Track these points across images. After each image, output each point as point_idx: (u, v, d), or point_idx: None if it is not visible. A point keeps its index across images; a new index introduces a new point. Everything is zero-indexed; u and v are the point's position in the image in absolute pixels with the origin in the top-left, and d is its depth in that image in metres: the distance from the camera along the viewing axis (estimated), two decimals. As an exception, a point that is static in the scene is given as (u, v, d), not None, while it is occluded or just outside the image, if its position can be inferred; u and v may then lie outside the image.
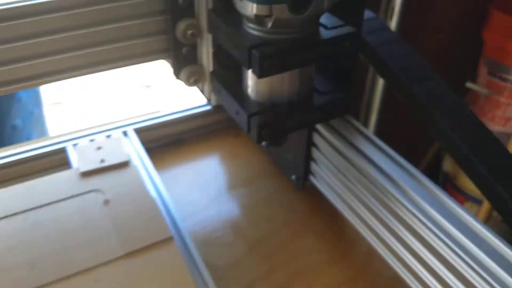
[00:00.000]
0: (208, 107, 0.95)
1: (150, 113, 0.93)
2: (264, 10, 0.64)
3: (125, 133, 0.85)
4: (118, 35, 0.78)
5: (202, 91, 0.94)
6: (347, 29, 0.68)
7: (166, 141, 0.92)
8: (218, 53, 0.81)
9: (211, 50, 0.80)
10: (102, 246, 0.58)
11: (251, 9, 0.64)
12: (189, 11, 0.80)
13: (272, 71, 0.66)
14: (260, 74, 0.66)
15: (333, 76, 0.78)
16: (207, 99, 0.96)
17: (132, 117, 0.91)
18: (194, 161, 0.91)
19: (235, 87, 0.73)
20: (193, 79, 0.90)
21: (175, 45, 0.81)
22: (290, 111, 0.72)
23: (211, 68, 0.82)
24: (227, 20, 0.72)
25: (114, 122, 0.87)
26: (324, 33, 0.69)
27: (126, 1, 0.75)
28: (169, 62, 0.88)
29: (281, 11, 0.64)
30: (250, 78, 0.75)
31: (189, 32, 0.84)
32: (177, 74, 0.86)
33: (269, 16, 0.65)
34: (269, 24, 0.66)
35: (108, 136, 0.82)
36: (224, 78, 0.81)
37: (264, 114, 0.71)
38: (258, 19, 0.66)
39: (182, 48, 0.83)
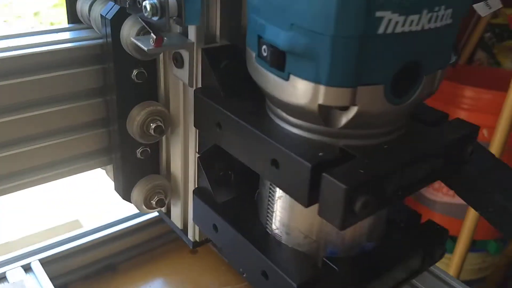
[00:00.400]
0: (148, 216, 0.70)
1: (62, 235, 0.68)
2: (343, 97, 0.32)
3: (27, 268, 0.62)
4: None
5: (168, 219, 0.57)
6: (468, 127, 0.39)
7: (89, 272, 0.66)
8: (210, 160, 0.47)
9: (194, 154, 0.50)
10: None
11: (311, 95, 0.34)
12: (148, 89, 0.51)
13: (365, 214, 0.34)
14: (343, 223, 0.33)
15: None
16: (181, 229, 0.60)
17: (37, 244, 0.66)
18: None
19: (245, 220, 0.47)
20: (155, 200, 0.53)
21: (122, 145, 0.52)
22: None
23: (191, 185, 0.53)
24: (235, 108, 0.41)
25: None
26: (433, 134, 0.38)
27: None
28: (108, 174, 0.52)
29: (373, 98, 0.33)
30: (285, 207, 0.42)
31: (152, 125, 0.49)
32: (125, 192, 0.49)
33: (346, 108, 0.34)
34: (343, 121, 0.34)
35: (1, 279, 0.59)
36: (225, 205, 0.46)
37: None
38: (324, 113, 0.34)
39: (135, 149, 0.47)
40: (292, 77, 0.34)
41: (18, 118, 0.47)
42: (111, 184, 0.59)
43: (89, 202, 0.98)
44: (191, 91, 0.46)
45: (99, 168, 0.57)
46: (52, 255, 0.64)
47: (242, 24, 0.45)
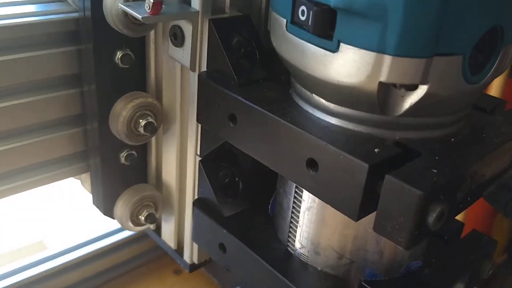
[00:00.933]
0: (125, 234, 0.61)
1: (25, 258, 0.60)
2: (414, 71, 0.24)
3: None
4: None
5: (158, 237, 0.48)
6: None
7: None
8: (214, 164, 0.38)
9: (193, 157, 0.41)
10: None
11: (370, 70, 0.26)
12: (135, 76, 0.41)
13: (437, 227, 0.26)
14: (411, 241, 0.24)
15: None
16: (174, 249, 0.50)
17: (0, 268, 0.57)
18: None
19: (260, 237, 0.39)
20: (144, 215, 0.43)
21: (103, 148, 0.42)
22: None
23: (190, 195, 0.43)
24: (254, 95, 0.33)
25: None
26: (501, 125, 0.31)
27: None
28: (84, 185, 0.43)
29: (448, 73, 0.25)
30: (316, 220, 0.34)
31: (141, 122, 0.39)
32: (106, 206, 0.40)
33: (413, 87, 0.25)
34: (405, 107, 0.26)
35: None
36: (233, 220, 0.38)
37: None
38: (382, 95, 0.26)
39: (118, 152, 0.38)
40: (343, 46, 0.26)
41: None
42: (82, 196, 0.49)
43: (53, 219, 0.88)
44: (192, 77, 0.37)
45: (72, 178, 0.47)
46: (18, 281, 0.57)
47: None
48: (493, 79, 0.30)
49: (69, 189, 0.76)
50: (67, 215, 0.88)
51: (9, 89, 0.39)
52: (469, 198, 0.29)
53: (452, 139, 0.30)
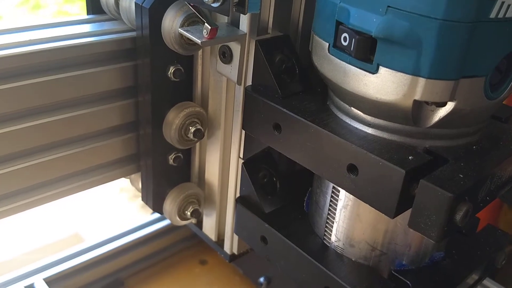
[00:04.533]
0: (154, 227, 0.65)
1: (64, 251, 0.63)
2: (444, 91, 0.28)
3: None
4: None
5: (200, 230, 0.52)
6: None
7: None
8: (255, 166, 0.42)
9: (236, 159, 0.45)
10: None
11: (406, 90, 0.30)
12: (185, 88, 0.46)
13: (464, 223, 0.30)
14: (441, 235, 0.29)
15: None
16: (215, 241, 0.55)
17: (40, 261, 0.61)
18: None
19: (298, 231, 0.43)
20: (190, 211, 0.48)
21: (155, 151, 0.47)
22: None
23: (232, 193, 0.48)
24: (297, 107, 0.37)
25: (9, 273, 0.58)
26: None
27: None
28: (133, 184, 0.48)
29: (473, 92, 0.29)
30: (351, 217, 0.38)
31: (191, 129, 0.43)
32: (155, 202, 0.44)
33: (443, 104, 0.30)
34: (434, 120, 0.30)
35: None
36: (274, 215, 0.42)
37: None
38: (416, 110, 0.30)
39: (167, 155, 0.42)
40: (382, 69, 0.30)
41: (35, 124, 0.41)
42: (110, 192, 0.53)
43: (87, 212, 0.92)
44: (238, 90, 0.41)
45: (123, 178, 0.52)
46: (57, 273, 0.59)
47: (293, 12, 0.41)
48: (509, 94, 0.34)
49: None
50: (100, 207, 0.92)
51: (74, 100, 0.43)
52: (488, 198, 0.34)
53: (474, 147, 0.34)
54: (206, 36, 0.34)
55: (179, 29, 0.36)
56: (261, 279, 0.60)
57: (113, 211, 0.88)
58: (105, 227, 0.87)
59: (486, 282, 0.59)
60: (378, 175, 0.31)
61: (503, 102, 0.40)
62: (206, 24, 0.34)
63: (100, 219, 0.90)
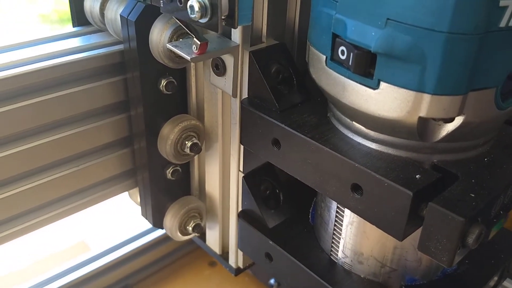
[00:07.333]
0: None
1: (71, 261, 0.62)
2: (451, 107, 0.26)
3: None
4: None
5: (203, 243, 0.51)
6: None
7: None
8: (256, 180, 0.40)
9: (236, 173, 0.43)
10: None
11: (410, 107, 0.28)
12: (178, 101, 0.44)
13: (476, 245, 0.28)
14: (453, 259, 0.27)
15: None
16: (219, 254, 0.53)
17: (48, 272, 0.60)
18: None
19: (304, 247, 0.41)
20: (191, 226, 0.46)
21: (151, 166, 0.45)
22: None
23: (234, 206, 0.46)
24: (295, 121, 0.35)
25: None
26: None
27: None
28: (132, 198, 0.46)
29: (483, 104, 0.27)
30: (358, 234, 0.37)
31: (187, 143, 0.42)
32: (155, 218, 0.43)
33: (451, 119, 0.27)
34: (442, 134, 0.28)
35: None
36: (277, 230, 0.41)
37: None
38: (421, 126, 0.28)
39: (165, 169, 0.41)
40: (383, 85, 0.27)
41: (27, 147, 0.40)
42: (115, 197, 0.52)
43: (92, 220, 0.91)
44: (233, 102, 0.39)
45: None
46: (65, 284, 0.58)
47: (287, 18, 0.39)
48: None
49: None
50: (105, 215, 0.91)
51: (65, 120, 0.41)
52: (501, 212, 0.32)
53: (486, 159, 0.32)
54: (195, 51, 0.32)
55: (167, 44, 0.34)
56: (272, 281, 0.59)
57: (119, 217, 0.87)
58: (111, 233, 0.87)
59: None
60: (384, 196, 0.29)
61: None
62: (195, 39, 0.32)
63: (106, 225, 0.89)
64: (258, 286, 0.64)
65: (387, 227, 0.30)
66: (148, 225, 0.68)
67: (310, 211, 0.44)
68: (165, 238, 0.66)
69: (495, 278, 0.42)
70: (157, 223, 0.47)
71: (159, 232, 0.65)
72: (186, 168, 0.48)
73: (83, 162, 0.43)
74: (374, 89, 0.28)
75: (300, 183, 0.46)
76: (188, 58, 0.32)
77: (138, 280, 0.65)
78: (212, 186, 0.47)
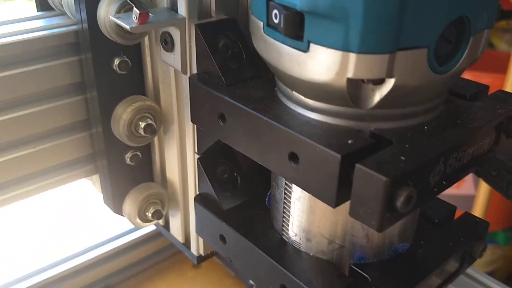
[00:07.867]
0: (144, 231, 0.64)
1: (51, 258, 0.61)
2: (378, 66, 0.26)
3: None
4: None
5: (167, 232, 0.50)
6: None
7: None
8: (212, 161, 0.40)
9: (192, 155, 0.43)
10: None
11: (338, 67, 0.27)
12: (134, 82, 0.44)
13: (407, 210, 0.27)
14: (382, 224, 0.26)
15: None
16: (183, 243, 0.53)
17: (24, 269, 0.59)
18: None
19: (257, 228, 0.41)
20: (151, 212, 0.46)
21: (108, 150, 0.44)
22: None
23: (192, 191, 0.45)
24: (240, 95, 0.35)
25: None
26: (478, 110, 0.32)
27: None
28: (95, 185, 0.45)
29: (414, 66, 0.27)
30: (305, 209, 0.36)
31: (141, 124, 0.42)
32: (115, 204, 0.42)
33: (380, 81, 0.27)
34: (376, 100, 0.28)
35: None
36: (232, 212, 0.40)
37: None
38: (353, 90, 0.28)
39: (123, 154, 0.40)
40: (312, 46, 0.27)
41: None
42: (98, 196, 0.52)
43: (73, 218, 0.91)
44: (185, 79, 0.39)
45: (84, 179, 0.50)
46: (41, 281, 0.58)
47: (239, -6, 0.39)
48: (467, 67, 0.31)
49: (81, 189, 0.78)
50: (83, 216, 0.91)
51: (22, 99, 0.41)
52: (444, 182, 0.31)
53: (425, 127, 0.31)
54: (136, 21, 0.32)
55: (110, 16, 0.34)
56: (251, 281, 0.58)
57: (99, 216, 0.87)
58: (92, 233, 0.86)
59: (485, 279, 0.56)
60: (318, 162, 0.29)
61: (469, 79, 0.38)
62: (134, 8, 0.32)
63: (86, 225, 0.89)
64: (242, 288, 0.64)
65: (322, 194, 0.30)
66: (130, 225, 0.68)
67: (268, 194, 0.43)
68: (147, 238, 0.66)
69: (454, 264, 0.41)
70: (118, 210, 0.47)
71: (140, 232, 0.65)
72: (147, 153, 0.47)
73: (40, 144, 0.43)
74: (305, 51, 0.28)
75: (259, 166, 0.45)
76: (128, 27, 0.32)
77: (120, 281, 0.64)
78: (172, 171, 0.46)
